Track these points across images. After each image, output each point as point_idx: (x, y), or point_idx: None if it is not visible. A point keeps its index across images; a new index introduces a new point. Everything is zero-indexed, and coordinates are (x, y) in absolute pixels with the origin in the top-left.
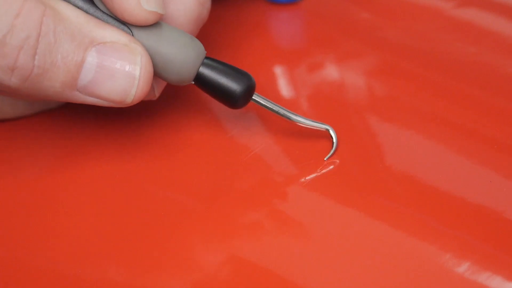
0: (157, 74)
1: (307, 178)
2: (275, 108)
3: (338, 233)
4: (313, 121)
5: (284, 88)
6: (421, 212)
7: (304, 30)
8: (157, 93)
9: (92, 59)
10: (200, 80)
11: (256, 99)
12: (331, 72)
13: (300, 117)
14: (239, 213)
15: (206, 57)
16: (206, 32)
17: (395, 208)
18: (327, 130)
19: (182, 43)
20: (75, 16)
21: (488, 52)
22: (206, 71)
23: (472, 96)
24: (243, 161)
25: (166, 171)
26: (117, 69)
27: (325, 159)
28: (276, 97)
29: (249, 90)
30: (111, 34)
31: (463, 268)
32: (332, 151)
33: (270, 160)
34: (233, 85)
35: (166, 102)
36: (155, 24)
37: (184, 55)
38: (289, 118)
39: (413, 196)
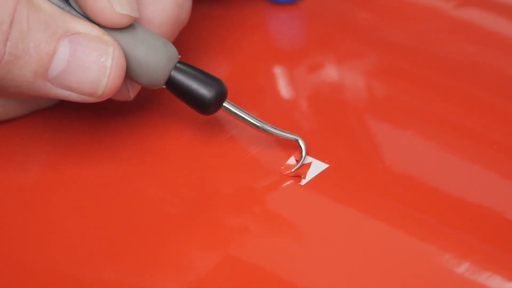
0: (128, 76)
1: (289, 171)
2: (245, 116)
3: (338, 234)
4: (282, 131)
5: (284, 88)
6: (421, 212)
7: (303, 30)
8: (132, 94)
9: (64, 49)
10: (172, 84)
11: (226, 106)
12: (331, 72)
13: (270, 126)
14: (235, 214)
15: (180, 62)
16: (206, 32)
17: (395, 208)
18: (297, 140)
19: (155, 46)
20: (50, 8)
21: (488, 52)
22: (178, 76)
23: (472, 96)
24: (241, 162)
25: (162, 173)
26: (88, 60)
27: (292, 170)
28: (275, 97)
29: (220, 96)
30: (85, 26)
31: (463, 268)
32: (301, 162)
33: (268, 162)
34: (204, 91)
35: (162, 103)
36: (129, 26)
37: (156, 58)
38: (258, 128)
39: (413, 196)
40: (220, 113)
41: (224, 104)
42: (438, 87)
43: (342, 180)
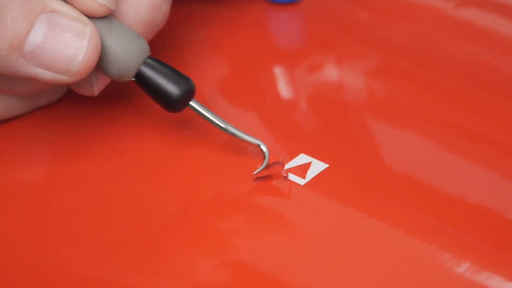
0: (97, 66)
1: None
2: (211, 117)
3: (338, 234)
4: (246, 135)
5: (284, 88)
6: (421, 212)
7: (303, 30)
8: (96, 90)
9: (41, 25)
10: (140, 79)
11: (193, 105)
12: (330, 72)
13: (235, 129)
14: (235, 215)
15: (150, 57)
16: (205, 32)
17: (395, 208)
18: (258, 145)
19: (127, 39)
20: None
21: (488, 52)
22: (147, 70)
23: (472, 96)
24: (241, 162)
25: (162, 175)
26: (65, 36)
27: (254, 173)
28: (275, 97)
29: (187, 94)
30: (63, 5)
31: (463, 268)
32: (262, 166)
33: (269, 160)
34: (171, 88)
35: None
36: (105, 18)
37: (126, 50)
38: (223, 129)
39: (413, 196)
40: (219, 113)
41: (190, 103)
42: (438, 87)
43: (342, 180)
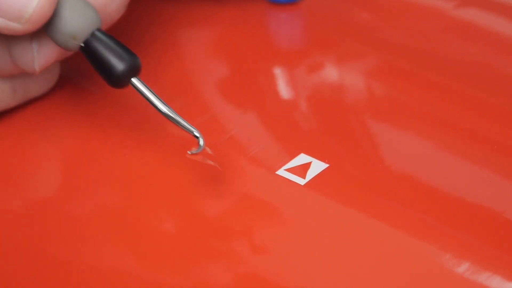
0: (47, 28)
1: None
2: (152, 98)
3: (338, 233)
4: (184, 121)
5: (284, 88)
6: (421, 212)
7: (303, 31)
8: (37, 65)
9: None
10: (87, 48)
11: (135, 82)
12: (331, 72)
13: (174, 113)
14: (235, 216)
15: (100, 30)
16: (205, 32)
17: (395, 208)
18: (192, 132)
19: (81, 7)
20: None
21: (488, 52)
22: (95, 41)
23: (472, 96)
24: (241, 163)
25: (163, 176)
26: None
27: (189, 152)
28: (275, 97)
29: (131, 70)
30: None
31: (463, 268)
32: (199, 149)
33: (268, 162)
34: (115, 61)
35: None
36: None
37: (81, 11)
38: (161, 112)
39: (413, 196)
40: (219, 113)
41: (133, 79)
42: (438, 87)
43: (342, 180)
